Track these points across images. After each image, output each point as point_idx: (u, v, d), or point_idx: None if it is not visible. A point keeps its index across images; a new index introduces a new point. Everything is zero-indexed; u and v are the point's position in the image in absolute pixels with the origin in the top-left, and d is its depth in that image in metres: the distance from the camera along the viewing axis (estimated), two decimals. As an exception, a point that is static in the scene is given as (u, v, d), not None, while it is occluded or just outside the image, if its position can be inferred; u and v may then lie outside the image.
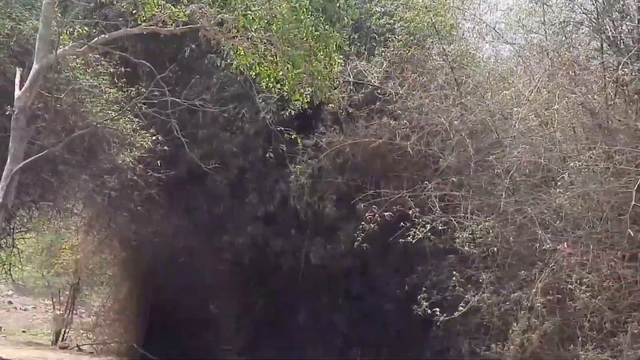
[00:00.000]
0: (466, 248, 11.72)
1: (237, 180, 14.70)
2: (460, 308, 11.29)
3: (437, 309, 11.57)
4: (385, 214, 12.04)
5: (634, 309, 10.15)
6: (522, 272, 11.46)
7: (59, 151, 11.91)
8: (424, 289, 11.94)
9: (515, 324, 11.20)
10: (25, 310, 37.37)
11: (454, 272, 11.97)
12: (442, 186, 12.50)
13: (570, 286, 10.79)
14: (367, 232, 12.13)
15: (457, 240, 11.63)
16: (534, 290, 10.98)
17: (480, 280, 11.68)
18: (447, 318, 11.34)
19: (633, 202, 9.53)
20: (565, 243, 11.03)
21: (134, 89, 13.09)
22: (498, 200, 11.87)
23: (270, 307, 16.87)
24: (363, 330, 15.62)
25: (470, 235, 11.70)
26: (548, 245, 10.95)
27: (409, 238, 11.69)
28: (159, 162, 13.61)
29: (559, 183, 11.20)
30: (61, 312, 28.82)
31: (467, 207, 12.04)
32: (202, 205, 15.27)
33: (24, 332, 31.44)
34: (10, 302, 39.80)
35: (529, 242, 11.64)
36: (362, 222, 12.30)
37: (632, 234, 9.90)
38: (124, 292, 25.46)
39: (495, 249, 11.80)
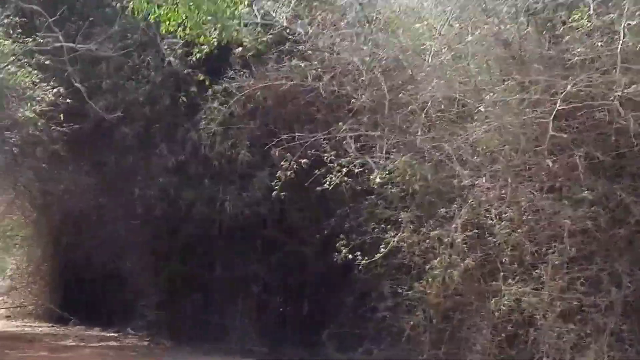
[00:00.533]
0: (384, 188, 11.51)
1: (145, 131, 14.10)
2: (382, 250, 11.08)
3: (358, 253, 11.42)
4: (301, 160, 11.71)
5: (554, 240, 10.07)
6: (442, 209, 11.29)
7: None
8: (341, 235, 11.68)
9: (436, 262, 11.09)
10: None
11: (373, 213, 11.78)
12: (356, 127, 12.17)
13: (489, 221, 10.71)
14: (284, 179, 11.80)
15: (375, 181, 11.36)
16: (453, 226, 10.85)
17: (400, 220, 11.49)
18: (367, 261, 11.12)
19: (550, 133, 9.36)
20: (483, 178, 10.92)
21: (31, 40, 12.38)
22: (414, 137, 11.66)
23: (186, 260, 16.43)
24: (283, 278, 15.36)
25: (387, 175, 11.47)
26: (466, 181, 10.81)
27: (325, 185, 11.40)
28: (61, 115, 12.94)
29: (474, 117, 11.04)
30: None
31: (383, 147, 11.77)
32: (110, 159, 14.67)
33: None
34: None
35: (447, 179, 11.46)
36: (277, 169, 11.98)
37: (549, 165, 9.76)
38: (38, 254, 24.89)
39: (414, 188, 11.63)
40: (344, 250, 11.36)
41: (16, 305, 25.79)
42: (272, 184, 12.00)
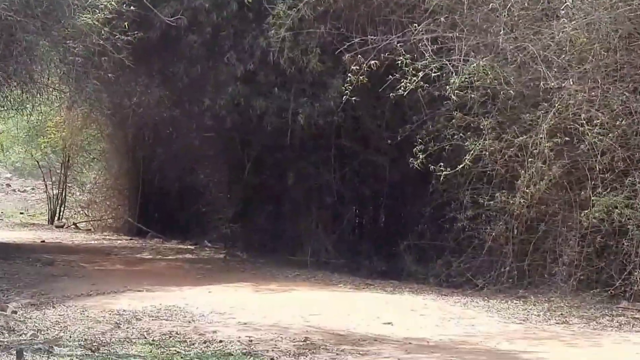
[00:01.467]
0: (463, 93, 10.84)
1: (213, 39, 13.55)
2: (466, 159, 10.52)
3: (437, 162, 10.87)
4: (372, 62, 11.10)
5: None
6: (526, 115, 10.68)
7: (13, 16, 10.80)
8: (419, 140, 11.13)
9: (520, 171, 10.49)
10: (23, 192, 37.07)
11: (451, 120, 11.16)
12: (433, 28, 11.45)
13: (578, 126, 10.07)
14: (356, 83, 11.24)
15: (453, 85, 10.70)
16: (539, 133, 10.20)
17: (481, 127, 10.86)
18: (446, 170, 10.59)
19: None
20: (570, 80, 10.21)
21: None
22: (496, 38, 10.93)
23: (259, 171, 16.10)
24: (357, 188, 14.90)
25: (467, 79, 10.79)
26: (552, 84, 10.13)
27: (399, 91, 10.80)
28: (126, 24, 12.50)
29: (561, 13, 10.24)
30: (55, 191, 28.52)
31: (462, 49, 11.06)
32: (178, 70, 14.20)
33: (21, 213, 31.21)
34: (8, 185, 39.46)
35: (532, 82, 10.81)
36: (349, 75, 11.39)
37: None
38: (115, 168, 25.05)
39: (495, 92, 10.94)
40: (420, 156, 10.83)
41: (95, 219, 26.21)
42: (345, 91, 11.39)
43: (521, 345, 7.65)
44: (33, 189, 35.31)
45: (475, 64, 10.74)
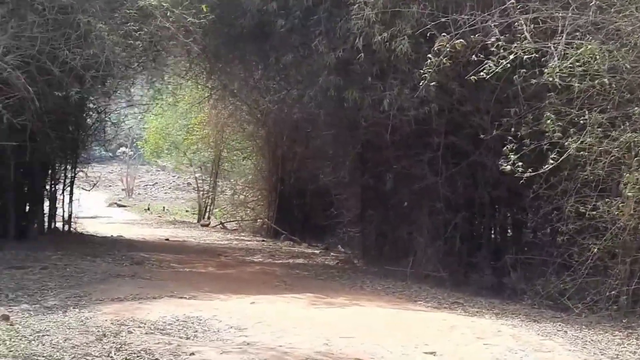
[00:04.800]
0: (566, 81, 9.08)
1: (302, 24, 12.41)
2: (551, 160, 8.80)
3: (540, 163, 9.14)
4: (459, 41, 9.55)
5: None
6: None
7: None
8: (511, 138, 9.43)
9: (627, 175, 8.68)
10: (182, 190, 37.99)
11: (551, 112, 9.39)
12: (534, 4, 9.73)
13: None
14: (436, 68, 9.71)
15: (554, 71, 8.96)
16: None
17: (584, 122, 9.07)
18: (531, 174, 8.89)
19: None
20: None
21: None
22: (609, 17, 9.12)
23: (373, 174, 14.93)
24: (467, 191, 13.22)
25: (570, 65, 9.02)
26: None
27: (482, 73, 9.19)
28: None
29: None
30: (203, 190, 28.67)
31: (565, 29, 9.28)
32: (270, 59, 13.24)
33: (163, 209, 32.12)
34: (155, 184, 40.72)
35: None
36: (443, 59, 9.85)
37: None
38: (259, 167, 24.70)
39: (605, 81, 9.06)
40: (512, 157, 9.15)
41: (240, 219, 25.97)
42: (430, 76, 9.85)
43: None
44: (188, 184, 35.84)
45: (582, 48, 8.95)
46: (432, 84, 9.78)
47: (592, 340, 8.09)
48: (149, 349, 6.37)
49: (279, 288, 11.30)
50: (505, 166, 9.19)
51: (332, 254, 18.03)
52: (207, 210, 28.98)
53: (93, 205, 28.18)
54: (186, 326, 7.61)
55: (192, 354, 6.30)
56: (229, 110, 24.07)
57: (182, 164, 32.10)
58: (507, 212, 12.47)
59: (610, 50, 9.07)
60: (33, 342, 6.51)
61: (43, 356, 6.03)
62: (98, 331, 7.04)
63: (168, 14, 10.55)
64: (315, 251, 18.67)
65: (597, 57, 8.93)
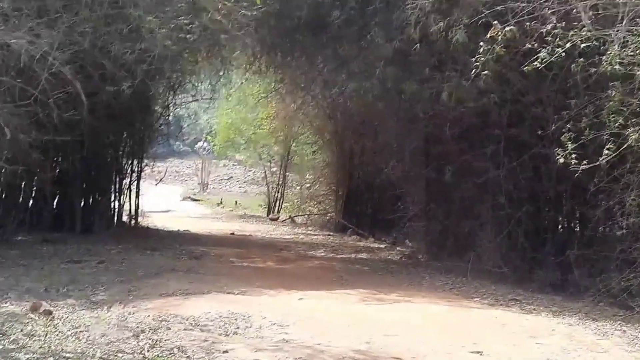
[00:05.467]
0: (628, 70, 8.66)
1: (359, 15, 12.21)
2: (607, 150, 8.38)
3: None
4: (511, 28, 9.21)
5: None
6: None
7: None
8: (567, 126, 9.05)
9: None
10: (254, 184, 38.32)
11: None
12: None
13: None
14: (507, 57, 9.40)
15: (614, 60, 8.55)
16: None
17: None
18: (587, 166, 8.50)
19: None
20: None
21: None
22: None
23: (436, 167, 14.66)
24: (530, 185, 12.74)
25: (633, 53, 8.60)
26: None
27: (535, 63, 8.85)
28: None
29: None
30: (273, 184, 28.75)
31: (627, 15, 8.84)
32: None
33: (236, 203, 32.23)
34: (230, 178, 41.05)
35: None
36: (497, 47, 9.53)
37: None
38: (328, 161, 24.60)
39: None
40: (569, 146, 8.78)
41: (309, 213, 25.95)
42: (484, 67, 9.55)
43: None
44: (263, 178, 36.04)
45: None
46: (484, 72, 9.43)
47: (651, 341, 7.71)
48: (183, 347, 6.28)
49: (334, 284, 11.15)
50: (560, 157, 8.85)
51: (397, 248, 17.70)
52: (277, 204, 29.02)
53: (167, 200, 28.61)
54: (228, 322, 7.50)
55: (226, 351, 6.19)
56: (296, 104, 24.00)
57: (253, 158, 32.26)
58: (573, 207, 11.94)
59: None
60: (69, 337, 6.48)
61: (74, 352, 5.98)
62: (137, 327, 6.99)
63: (220, 6, 10.46)
64: (381, 246, 18.38)
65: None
